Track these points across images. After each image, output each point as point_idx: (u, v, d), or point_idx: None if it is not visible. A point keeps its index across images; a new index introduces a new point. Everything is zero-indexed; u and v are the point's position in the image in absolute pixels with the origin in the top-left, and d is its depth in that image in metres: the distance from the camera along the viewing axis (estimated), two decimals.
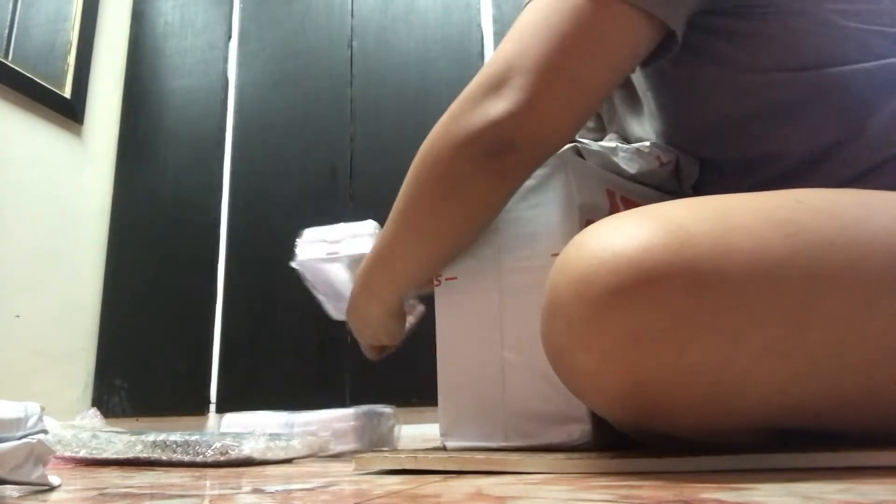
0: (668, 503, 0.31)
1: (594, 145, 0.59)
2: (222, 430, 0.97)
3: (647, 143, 0.63)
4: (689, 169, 0.64)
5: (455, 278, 0.61)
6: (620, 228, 0.44)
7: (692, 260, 0.41)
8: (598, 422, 0.53)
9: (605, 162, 0.60)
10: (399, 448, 0.95)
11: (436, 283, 0.63)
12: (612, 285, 0.41)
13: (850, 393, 0.44)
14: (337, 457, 0.89)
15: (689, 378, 0.42)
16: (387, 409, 1.02)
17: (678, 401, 0.43)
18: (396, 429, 1.01)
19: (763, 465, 0.42)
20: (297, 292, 1.88)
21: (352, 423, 0.94)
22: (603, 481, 0.41)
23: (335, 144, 1.95)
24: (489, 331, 0.58)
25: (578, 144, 0.58)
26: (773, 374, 0.42)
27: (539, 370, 0.54)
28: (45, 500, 0.46)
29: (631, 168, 0.61)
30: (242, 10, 2.16)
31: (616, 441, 0.53)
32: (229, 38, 2.15)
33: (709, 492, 0.34)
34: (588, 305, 0.42)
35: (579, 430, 0.53)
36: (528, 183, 0.57)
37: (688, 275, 0.41)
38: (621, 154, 0.61)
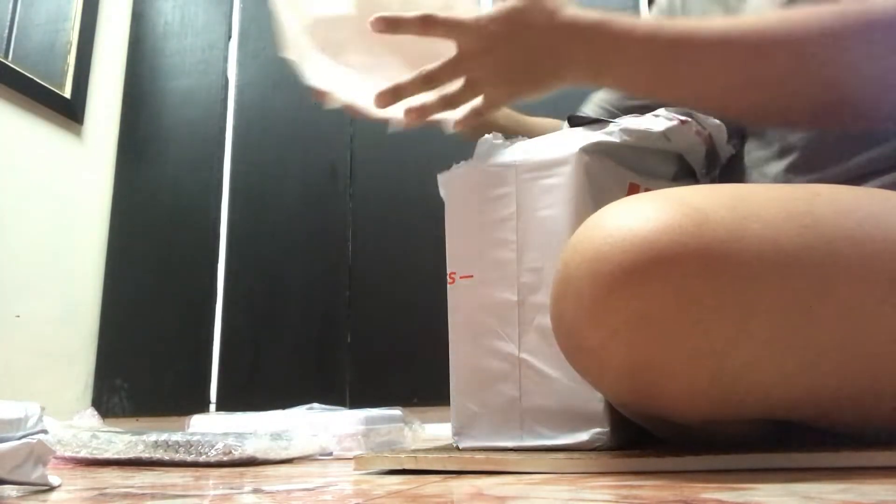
0: (668, 503, 0.31)
1: (617, 138, 0.58)
2: (191, 429, 0.98)
3: (659, 110, 0.62)
4: (717, 133, 0.64)
5: (471, 276, 0.61)
6: (636, 209, 0.44)
7: (707, 243, 0.41)
8: (614, 424, 0.52)
9: (631, 155, 0.59)
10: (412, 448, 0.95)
11: (450, 281, 0.63)
12: (624, 264, 0.41)
13: (853, 387, 0.44)
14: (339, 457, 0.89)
15: (693, 361, 0.42)
16: (395, 412, 1.01)
17: (680, 384, 0.43)
18: (408, 429, 1.00)
19: (763, 465, 0.42)
20: (297, 292, 1.88)
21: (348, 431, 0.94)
22: (603, 481, 0.41)
23: (335, 144, 1.95)
24: (506, 331, 0.58)
25: (601, 140, 0.57)
26: (777, 364, 0.42)
27: (557, 372, 0.54)
28: (45, 500, 0.46)
29: (657, 126, 0.59)
30: (242, 10, 2.16)
31: (632, 443, 0.53)
32: (229, 38, 2.15)
33: (709, 492, 0.34)
34: (599, 283, 0.42)
35: (596, 432, 0.53)
36: (546, 182, 0.57)
37: (701, 258, 0.41)
38: (639, 119, 0.60)
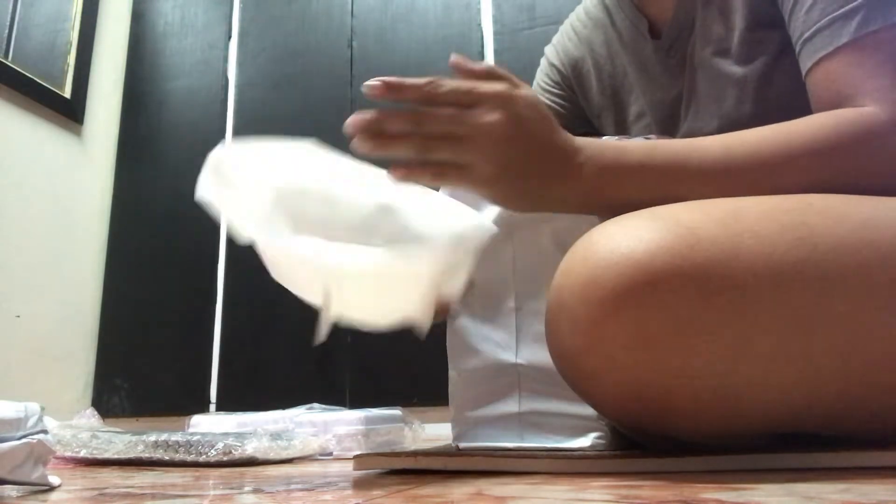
0: (668, 503, 0.31)
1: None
2: (191, 429, 0.98)
3: (649, 136, 0.63)
4: None
5: None
6: (628, 230, 0.43)
7: (700, 264, 0.41)
8: (614, 429, 0.52)
9: None
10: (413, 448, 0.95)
11: None
12: (618, 288, 0.41)
13: (855, 398, 0.43)
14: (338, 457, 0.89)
15: (693, 382, 0.42)
16: (395, 412, 1.01)
17: (682, 404, 0.43)
18: (408, 429, 1.00)
19: (763, 465, 0.42)
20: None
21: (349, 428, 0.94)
22: (603, 481, 0.41)
23: (335, 144, 1.95)
24: (504, 336, 0.58)
25: None
26: (778, 379, 0.42)
27: (556, 378, 0.53)
28: (45, 500, 0.46)
29: None
30: (242, 10, 2.16)
31: (632, 447, 0.52)
32: (229, 38, 2.15)
33: (709, 492, 0.34)
34: (593, 308, 0.42)
35: (596, 436, 0.52)
36: None
37: (695, 279, 0.40)
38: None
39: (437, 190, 0.55)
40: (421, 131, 0.47)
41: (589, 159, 0.49)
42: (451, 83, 0.47)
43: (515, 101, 0.47)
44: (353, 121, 0.48)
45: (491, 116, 0.46)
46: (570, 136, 0.50)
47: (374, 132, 0.48)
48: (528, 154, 0.48)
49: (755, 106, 0.63)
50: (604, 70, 0.78)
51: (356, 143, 0.48)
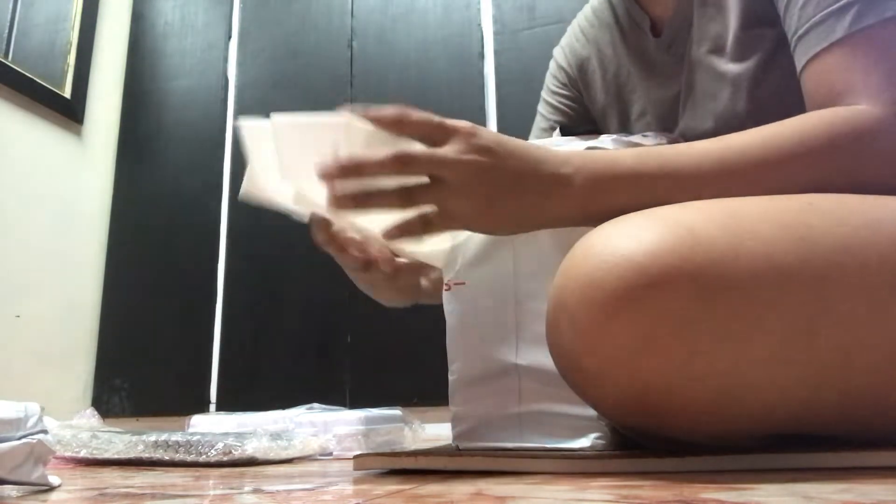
0: (667, 503, 0.31)
1: (609, 144, 0.59)
2: (191, 429, 0.98)
3: (647, 133, 0.63)
4: None
5: (464, 283, 0.61)
6: (628, 231, 0.43)
7: (701, 265, 0.41)
8: (614, 429, 0.52)
9: None
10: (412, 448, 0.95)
11: (445, 287, 0.62)
12: (618, 290, 0.41)
13: (856, 400, 0.43)
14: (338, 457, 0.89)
15: (694, 384, 0.42)
16: (395, 412, 1.01)
17: (682, 406, 0.43)
18: (408, 429, 1.00)
19: (763, 465, 0.42)
20: (297, 292, 1.88)
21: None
22: (603, 481, 0.41)
23: None
24: (504, 336, 0.58)
25: (594, 146, 0.57)
26: (778, 380, 0.42)
27: (556, 379, 0.53)
28: (45, 500, 0.46)
29: (647, 142, 0.60)
30: (242, 10, 2.16)
31: (632, 447, 0.52)
32: (229, 38, 2.15)
33: (709, 492, 0.34)
34: (594, 310, 0.42)
35: (596, 436, 0.52)
36: None
37: (696, 280, 0.40)
38: (633, 139, 0.60)
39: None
40: (401, 174, 0.48)
41: (579, 169, 0.50)
42: (420, 113, 0.49)
43: (481, 132, 0.49)
44: (331, 199, 0.49)
45: (465, 153, 0.48)
46: (550, 150, 0.51)
47: (351, 194, 0.49)
48: (510, 181, 0.49)
49: (749, 104, 0.63)
50: (608, 69, 0.79)
51: (333, 207, 0.49)
